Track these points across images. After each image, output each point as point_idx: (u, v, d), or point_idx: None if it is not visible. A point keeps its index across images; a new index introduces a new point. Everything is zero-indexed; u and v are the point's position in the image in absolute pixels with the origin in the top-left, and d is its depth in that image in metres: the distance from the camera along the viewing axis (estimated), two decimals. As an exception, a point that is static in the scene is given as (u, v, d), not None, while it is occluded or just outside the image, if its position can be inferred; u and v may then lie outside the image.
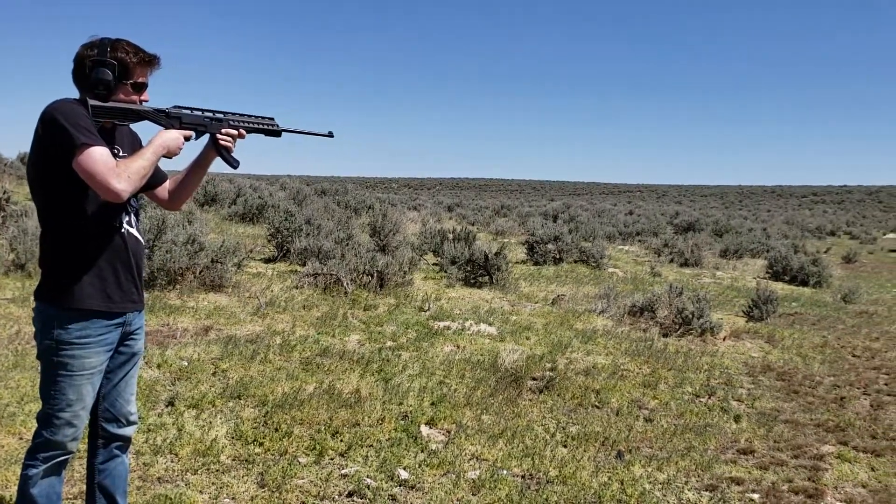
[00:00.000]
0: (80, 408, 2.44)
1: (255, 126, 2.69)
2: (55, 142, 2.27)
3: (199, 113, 2.57)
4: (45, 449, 2.45)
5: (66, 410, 2.42)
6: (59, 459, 2.47)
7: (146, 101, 2.49)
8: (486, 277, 10.25)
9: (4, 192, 10.12)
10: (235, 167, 2.68)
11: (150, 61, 2.46)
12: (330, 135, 2.90)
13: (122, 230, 2.47)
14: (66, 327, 2.37)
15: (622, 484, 3.86)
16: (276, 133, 2.74)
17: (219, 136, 2.60)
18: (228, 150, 2.63)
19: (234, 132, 2.62)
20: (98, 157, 2.24)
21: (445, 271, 10.62)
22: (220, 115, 2.61)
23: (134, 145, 2.60)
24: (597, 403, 5.23)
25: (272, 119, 2.73)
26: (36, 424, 2.49)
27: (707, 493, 3.87)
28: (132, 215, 2.54)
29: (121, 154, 2.51)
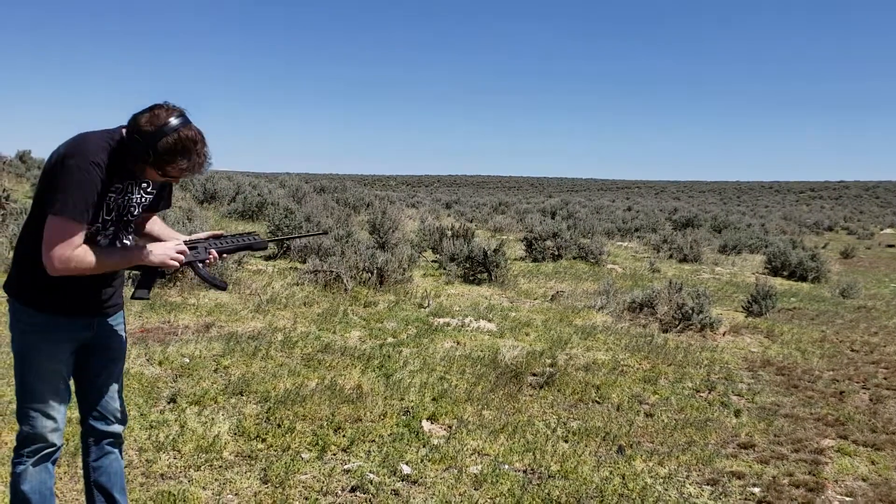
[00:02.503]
0: (53, 398, 2.46)
1: (234, 248, 2.66)
2: (51, 186, 2.25)
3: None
4: (27, 443, 2.48)
5: (38, 402, 2.44)
6: (44, 453, 2.50)
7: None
8: (485, 274, 10.26)
9: (4, 191, 10.12)
10: (224, 288, 2.75)
11: (190, 172, 2.36)
12: (325, 233, 3.03)
13: (97, 242, 2.42)
14: (31, 320, 2.41)
15: (624, 478, 3.87)
16: (263, 247, 2.76)
17: (200, 265, 2.60)
18: (211, 282, 2.64)
19: (211, 259, 2.60)
20: (66, 231, 2.23)
21: (444, 268, 10.63)
22: (198, 247, 2.58)
23: (164, 185, 2.61)
24: (597, 399, 5.24)
25: (253, 234, 2.71)
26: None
27: (708, 488, 3.89)
28: (121, 232, 2.49)
29: (148, 190, 2.50)
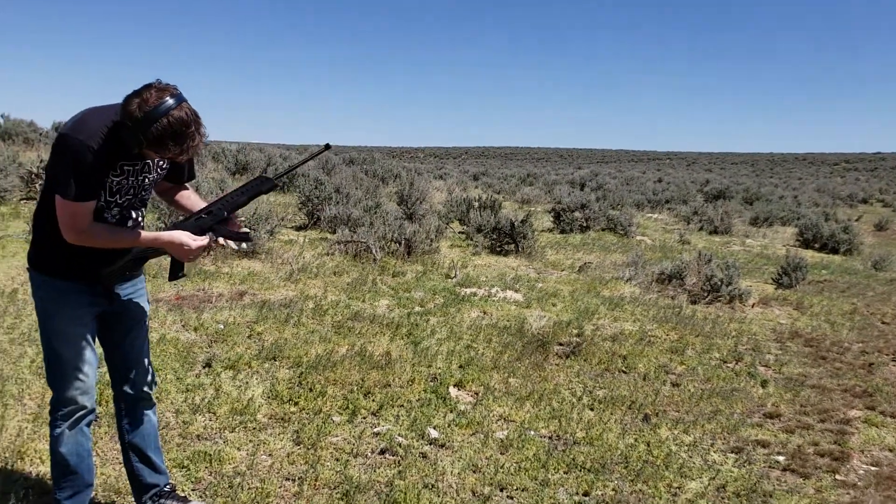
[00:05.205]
0: (79, 362, 2.51)
1: (246, 198, 2.63)
2: (55, 172, 2.31)
3: (193, 220, 2.56)
4: (60, 407, 2.55)
5: (65, 366, 2.51)
6: (77, 415, 2.56)
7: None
8: (512, 245, 10.28)
9: (41, 161, 10.31)
10: (249, 240, 2.73)
11: (185, 156, 2.32)
12: (327, 147, 2.98)
13: (106, 217, 2.46)
14: (50, 287, 2.48)
15: (648, 445, 3.92)
16: (273, 187, 2.72)
17: (225, 235, 2.60)
18: (235, 237, 2.64)
19: (226, 216, 2.58)
20: (76, 211, 2.29)
21: (471, 239, 10.67)
22: (213, 210, 2.57)
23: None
24: (624, 368, 5.28)
25: (261, 177, 2.68)
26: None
27: (733, 455, 3.93)
28: (132, 210, 2.53)
29: (163, 167, 2.53)
